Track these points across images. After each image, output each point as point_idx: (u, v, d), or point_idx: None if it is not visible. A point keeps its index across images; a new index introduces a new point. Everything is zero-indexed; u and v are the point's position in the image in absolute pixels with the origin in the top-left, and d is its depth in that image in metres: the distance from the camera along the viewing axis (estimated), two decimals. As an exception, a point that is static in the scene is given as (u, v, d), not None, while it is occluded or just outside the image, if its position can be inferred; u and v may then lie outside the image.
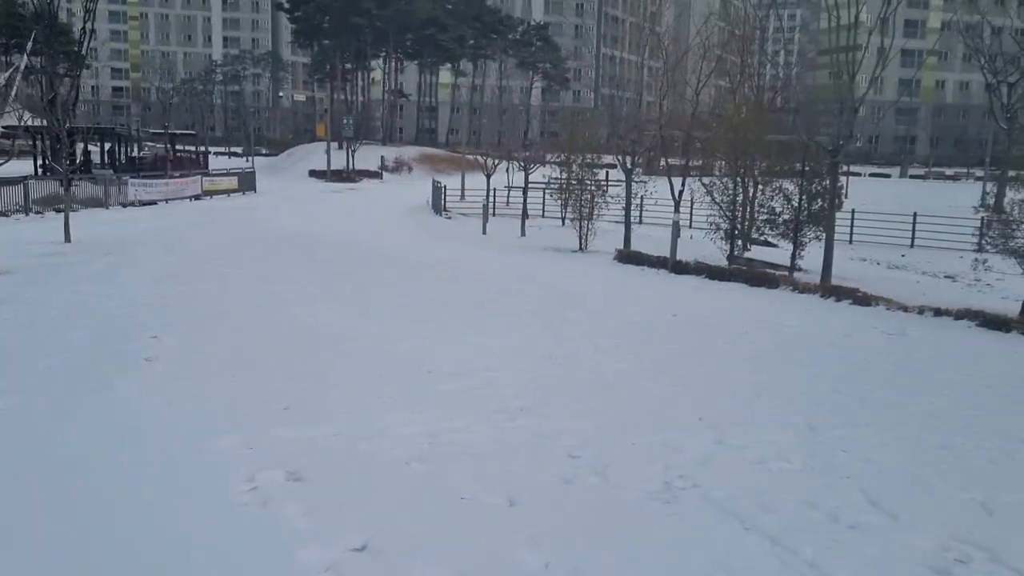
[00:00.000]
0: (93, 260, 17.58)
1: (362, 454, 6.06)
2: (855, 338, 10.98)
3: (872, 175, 74.80)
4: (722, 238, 18.13)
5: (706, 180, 18.85)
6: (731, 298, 14.00)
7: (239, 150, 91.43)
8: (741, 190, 18.24)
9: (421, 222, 31.93)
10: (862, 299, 13.47)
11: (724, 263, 18.23)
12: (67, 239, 21.34)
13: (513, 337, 10.40)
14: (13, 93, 45.63)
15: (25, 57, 49.36)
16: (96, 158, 47.68)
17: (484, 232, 27.71)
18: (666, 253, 18.08)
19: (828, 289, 14.26)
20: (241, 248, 20.55)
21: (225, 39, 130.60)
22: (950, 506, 5.30)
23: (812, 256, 17.79)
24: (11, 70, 51.18)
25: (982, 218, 19.52)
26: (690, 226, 28.02)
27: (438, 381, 8.17)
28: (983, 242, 14.12)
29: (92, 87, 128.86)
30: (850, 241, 26.39)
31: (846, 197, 27.07)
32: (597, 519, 4.97)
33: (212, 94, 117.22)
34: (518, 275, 16.86)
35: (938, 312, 12.43)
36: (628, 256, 18.96)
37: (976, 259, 15.14)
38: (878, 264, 23.07)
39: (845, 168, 22.37)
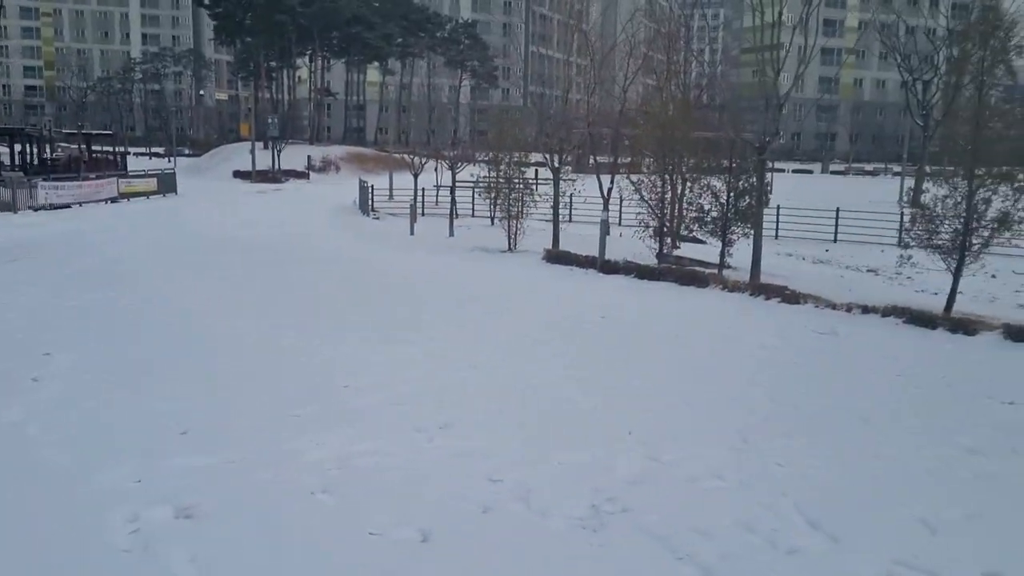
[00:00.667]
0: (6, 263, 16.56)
1: (263, 484, 5.53)
2: (786, 338, 10.80)
3: (795, 171, 76.25)
4: (651, 236, 17.91)
5: (634, 178, 18.60)
6: (661, 298, 13.77)
7: (161, 150, 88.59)
8: (669, 188, 18.05)
9: (348, 223, 31.11)
10: (791, 297, 13.37)
11: (654, 262, 18.07)
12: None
13: (436, 344, 9.93)
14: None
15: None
16: (7, 160, 45.58)
17: (412, 233, 27.07)
18: (595, 252, 17.83)
19: (757, 287, 14.12)
20: (153, 253, 19.61)
21: (144, 36, 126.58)
22: (891, 525, 5.02)
23: (741, 253, 17.72)
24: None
25: (904, 213, 19.74)
26: (619, 223, 27.91)
27: (354, 396, 7.67)
28: (906, 237, 14.16)
29: (3, 86, 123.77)
30: (776, 237, 26.59)
31: (771, 193, 27.26)
32: (516, 555, 4.54)
33: (131, 93, 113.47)
34: (444, 277, 16.39)
35: (866, 309, 12.38)
36: (557, 256, 18.62)
37: (902, 255, 15.21)
38: (803, 259, 23.21)
39: (770, 165, 22.50)
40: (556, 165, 21.13)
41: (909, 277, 18.10)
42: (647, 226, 17.93)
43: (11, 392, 7.72)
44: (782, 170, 67.25)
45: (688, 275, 15.25)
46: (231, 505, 5.16)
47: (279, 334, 10.37)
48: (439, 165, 37.92)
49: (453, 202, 27.66)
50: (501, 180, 23.53)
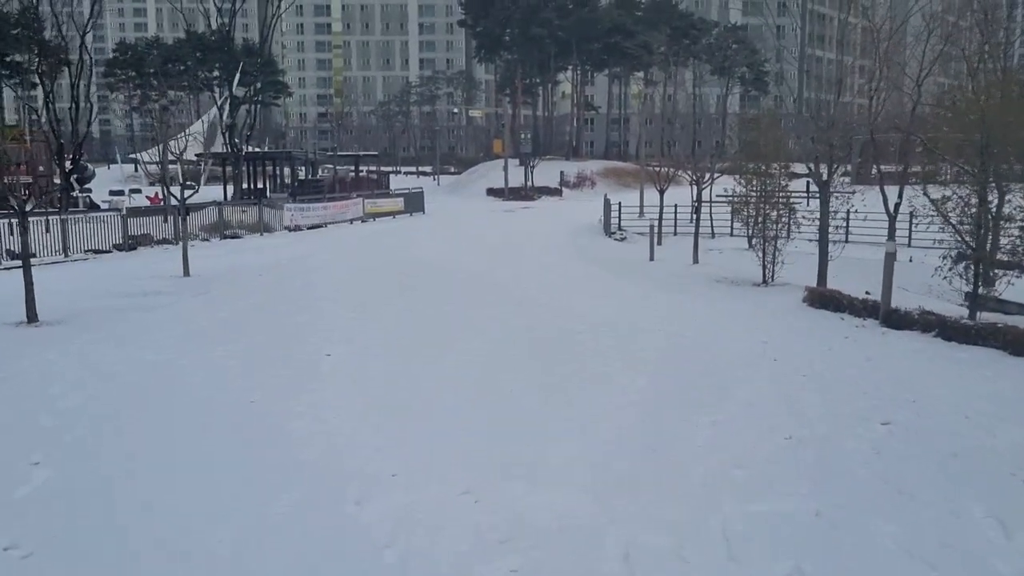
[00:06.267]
0: (182, 301, 15.32)
1: None
2: None
3: None
4: (960, 274, 12.84)
5: (937, 193, 13.59)
6: (988, 384, 8.93)
7: (428, 169, 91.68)
8: (992, 205, 12.85)
9: (583, 246, 28.03)
10: None
11: (960, 309, 13.05)
12: (186, 272, 19.55)
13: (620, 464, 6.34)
14: (222, 125, 46.79)
15: (233, 88, 50.63)
16: (273, 183, 48.02)
17: (651, 258, 23.42)
18: (875, 289, 13.22)
19: None
20: (347, 283, 17.72)
21: (421, 61, 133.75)
22: None
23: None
24: (222, 101, 52.80)
25: None
26: (908, 244, 22.36)
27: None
28: None
29: (300, 114, 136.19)
30: None
31: None
32: None
33: (408, 115, 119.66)
34: (664, 325, 12.56)
35: None
36: (822, 297, 14.11)
37: None
38: None
39: None
40: (824, 178, 16.54)
41: None
42: (955, 260, 12.87)
43: None
44: None
45: None
46: None
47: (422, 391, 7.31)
48: (694, 178, 33.90)
49: (697, 222, 23.56)
50: (754, 195, 19.22)
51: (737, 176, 20.87)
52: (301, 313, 13.76)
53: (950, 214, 12.70)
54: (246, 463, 6.57)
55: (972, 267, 12.67)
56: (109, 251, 25.08)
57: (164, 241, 27.11)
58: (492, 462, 6.53)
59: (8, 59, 50.29)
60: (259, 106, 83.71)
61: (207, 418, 7.74)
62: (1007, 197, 12.74)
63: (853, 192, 18.31)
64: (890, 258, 12.52)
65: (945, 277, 12.76)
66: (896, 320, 11.83)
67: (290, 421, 7.62)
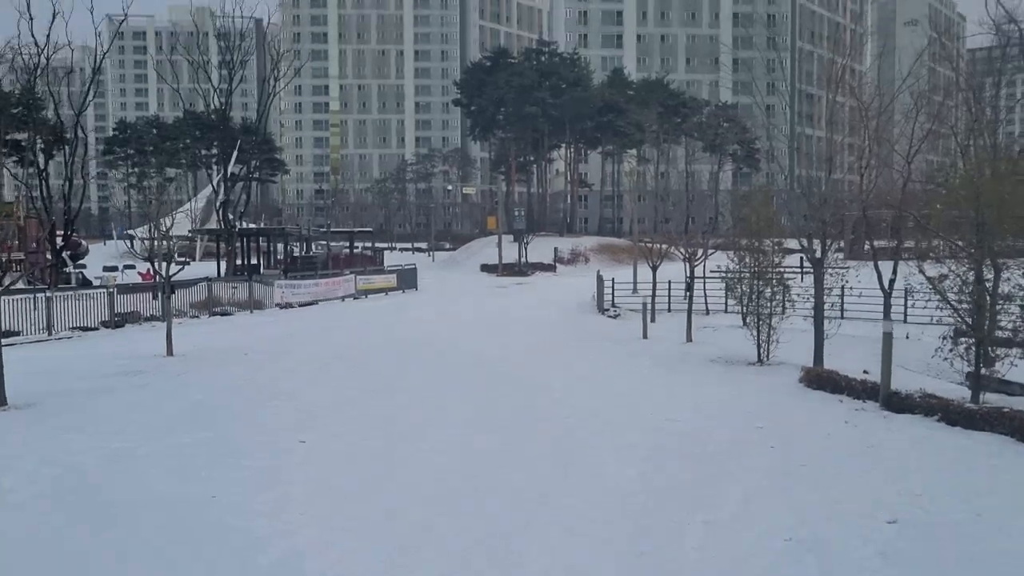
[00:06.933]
0: (159, 382, 14.82)
1: None
2: None
3: None
4: (961, 355, 12.40)
5: (933, 271, 13.24)
6: (998, 478, 8.35)
7: (423, 245, 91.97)
8: (988, 282, 12.50)
9: (576, 323, 27.63)
10: None
11: (962, 389, 12.59)
12: (169, 352, 19.07)
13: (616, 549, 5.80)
14: (218, 201, 46.90)
15: (230, 165, 50.94)
16: (267, 258, 47.90)
17: (645, 336, 23.00)
18: (872, 368, 12.80)
19: None
20: (331, 364, 17.23)
21: (417, 139, 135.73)
22: None
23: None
24: (218, 178, 53.07)
25: None
26: (904, 320, 22.00)
27: None
28: None
29: (297, 190, 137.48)
30: None
31: None
32: None
33: (404, 192, 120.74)
34: (657, 409, 12.05)
35: None
36: (819, 378, 13.66)
37: None
38: None
39: None
40: (818, 255, 16.26)
41: None
42: (956, 340, 12.45)
43: None
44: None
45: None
46: None
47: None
48: (687, 254, 33.75)
49: (691, 299, 23.22)
50: (747, 272, 18.91)
51: (731, 252, 20.62)
52: (280, 397, 13.25)
53: (948, 292, 12.33)
54: (194, 570, 6.02)
55: (973, 347, 12.24)
56: (96, 328, 24.65)
57: (152, 318, 26.67)
58: (468, 568, 5.99)
59: (8, 137, 50.80)
60: (256, 183, 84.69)
61: (160, 516, 7.19)
62: (1006, 275, 12.39)
63: (848, 268, 18.01)
64: (888, 338, 12.12)
65: (946, 358, 12.32)
66: (897, 403, 11.36)
67: (251, 520, 7.07)
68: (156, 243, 23.38)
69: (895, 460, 8.90)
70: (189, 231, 51.76)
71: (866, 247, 18.71)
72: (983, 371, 12.50)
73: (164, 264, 20.92)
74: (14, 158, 53.87)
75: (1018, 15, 26.11)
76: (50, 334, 23.20)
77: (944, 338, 12.67)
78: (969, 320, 12.24)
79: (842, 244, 18.91)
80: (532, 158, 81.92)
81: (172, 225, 24.26)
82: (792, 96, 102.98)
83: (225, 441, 10.01)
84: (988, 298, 11.95)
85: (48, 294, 24.47)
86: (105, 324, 25.02)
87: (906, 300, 21.26)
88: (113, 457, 9.25)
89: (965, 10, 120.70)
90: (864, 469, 8.57)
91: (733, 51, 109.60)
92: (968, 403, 11.20)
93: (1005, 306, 11.98)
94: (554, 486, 8.09)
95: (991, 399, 11.91)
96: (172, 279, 21.27)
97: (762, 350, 17.86)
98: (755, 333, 18.06)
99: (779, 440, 9.87)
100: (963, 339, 12.49)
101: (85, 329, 24.35)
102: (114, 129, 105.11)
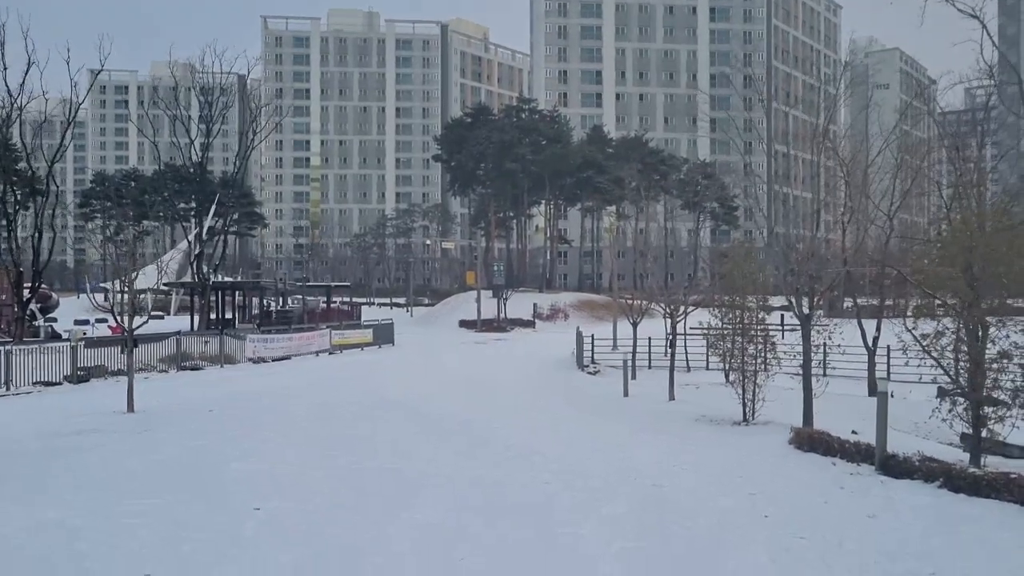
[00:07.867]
0: (115, 442, 13.93)
1: None
2: None
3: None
4: (960, 416, 11.82)
5: (924, 328, 12.73)
6: (1013, 557, 7.65)
7: (402, 300, 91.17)
8: (984, 341, 11.99)
9: (555, 381, 26.91)
10: None
11: (957, 451, 12.01)
12: (130, 408, 18.17)
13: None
14: (194, 254, 46.12)
15: (208, 218, 50.32)
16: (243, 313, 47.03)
17: (626, 394, 22.34)
18: (860, 425, 12.20)
19: None
20: (298, 423, 16.38)
21: (397, 195, 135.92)
22: None
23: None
24: (196, 232, 52.39)
25: None
26: (888, 377, 21.51)
27: None
28: None
29: (277, 244, 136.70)
30: None
31: None
32: None
33: (383, 247, 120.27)
34: (640, 475, 11.32)
35: None
36: (811, 439, 13.02)
37: None
38: None
39: None
40: (805, 311, 15.77)
41: None
42: (954, 402, 11.88)
43: None
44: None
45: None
46: None
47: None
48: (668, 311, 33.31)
49: (672, 356, 22.65)
50: (729, 329, 18.37)
51: (712, 309, 20.12)
52: (241, 458, 12.41)
53: (945, 351, 11.79)
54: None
55: (970, 409, 11.68)
56: (59, 383, 23.65)
57: (119, 372, 25.62)
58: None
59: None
60: (235, 236, 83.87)
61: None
62: (1003, 332, 11.88)
63: (834, 325, 17.53)
64: (883, 398, 11.54)
65: (944, 419, 11.75)
66: (895, 467, 10.72)
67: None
68: (122, 296, 22.65)
69: (900, 532, 8.22)
70: (164, 284, 50.82)
71: (847, 304, 18.35)
72: (983, 432, 11.92)
73: (127, 317, 20.11)
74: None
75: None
76: (8, 389, 22.21)
77: (941, 399, 12.13)
78: (964, 380, 11.70)
79: (820, 302, 18.46)
80: (512, 214, 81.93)
81: (136, 277, 23.49)
82: (769, 154, 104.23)
83: (174, 509, 9.17)
84: (986, 358, 11.42)
85: (8, 347, 23.51)
86: (68, 379, 24.03)
87: (889, 357, 20.79)
88: (42, 529, 8.38)
89: (935, 74, 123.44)
90: (867, 543, 7.88)
91: (711, 111, 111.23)
92: (970, 467, 10.59)
93: (1005, 364, 11.45)
94: (534, 564, 7.34)
95: (991, 462, 11.33)
96: (137, 333, 20.46)
97: (747, 409, 17.24)
98: (740, 391, 17.46)
99: (774, 509, 9.18)
100: (960, 399, 11.94)
101: (48, 384, 23.36)
102: (91, 181, 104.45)
